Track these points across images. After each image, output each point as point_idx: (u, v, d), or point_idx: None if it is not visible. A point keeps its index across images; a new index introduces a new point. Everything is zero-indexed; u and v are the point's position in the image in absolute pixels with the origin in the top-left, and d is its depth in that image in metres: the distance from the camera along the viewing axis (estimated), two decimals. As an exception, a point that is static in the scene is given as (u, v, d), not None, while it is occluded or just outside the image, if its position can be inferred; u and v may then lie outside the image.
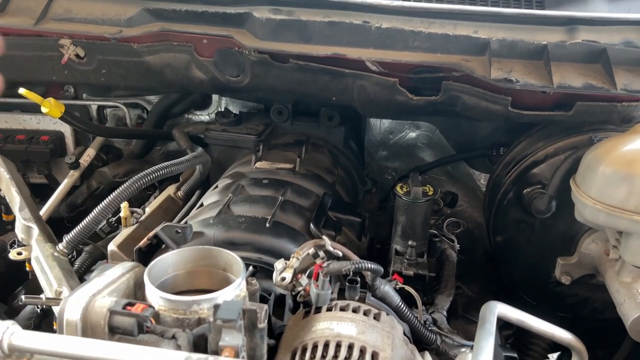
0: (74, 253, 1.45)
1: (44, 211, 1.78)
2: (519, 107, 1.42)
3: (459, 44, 1.41)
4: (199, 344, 0.90)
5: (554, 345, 1.74)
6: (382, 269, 1.09)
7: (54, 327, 1.30)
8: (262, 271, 1.22)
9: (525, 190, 1.51)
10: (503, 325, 1.29)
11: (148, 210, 1.61)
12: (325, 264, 1.08)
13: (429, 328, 1.23)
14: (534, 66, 1.38)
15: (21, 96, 1.60)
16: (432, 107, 1.52)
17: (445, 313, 1.33)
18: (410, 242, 1.41)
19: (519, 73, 1.34)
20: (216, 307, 0.83)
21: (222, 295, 0.94)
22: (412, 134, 2.16)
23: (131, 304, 0.89)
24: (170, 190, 1.75)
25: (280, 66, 1.54)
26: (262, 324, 0.85)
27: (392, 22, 1.44)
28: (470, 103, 1.44)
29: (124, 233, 1.45)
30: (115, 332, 0.89)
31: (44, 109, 1.63)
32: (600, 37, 1.39)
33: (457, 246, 1.54)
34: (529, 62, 1.39)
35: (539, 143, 1.56)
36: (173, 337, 0.88)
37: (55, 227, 1.45)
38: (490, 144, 1.95)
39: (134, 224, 1.50)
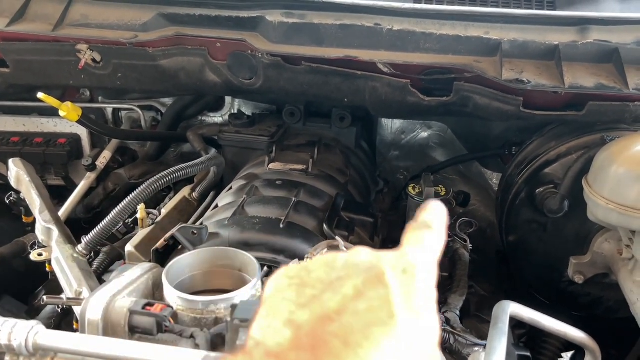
0: (92, 254, 1.48)
1: (62, 213, 1.82)
2: (531, 108, 1.42)
3: (471, 45, 1.42)
4: (217, 343, 0.92)
5: (568, 344, 1.74)
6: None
7: (74, 326, 1.34)
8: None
9: (537, 190, 1.51)
10: (516, 324, 1.29)
11: (164, 211, 1.63)
12: (339, 265, 1.09)
13: (442, 327, 1.24)
14: (545, 67, 1.39)
15: (39, 100, 1.63)
16: (443, 108, 1.53)
17: (458, 312, 1.34)
18: (423, 242, 1.42)
19: (530, 74, 1.35)
20: (233, 307, 0.85)
21: (239, 295, 0.96)
22: (424, 134, 2.16)
23: (150, 304, 0.92)
24: (185, 191, 1.78)
25: (293, 69, 1.56)
26: (279, 324, 0.87)
27: (403, 24, 1.45)
28: (481, 104, 1.45)
29: (140, 234, 1.48)
30: (135, 332, 0.91)
31: (61, 113, 1.67)
32: (612, 37, 1.39)
33: (470, 246, 1.55)
34: (541, 63, 1.40)
35: (551, 143, 1.56)
36: (191, 336, 0.90)
37: (72, 229, 1.48)
38: (502, 143, 1.95)
39: (150, 225, 1.53)
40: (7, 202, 1.65)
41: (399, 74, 1.46)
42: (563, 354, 1.78)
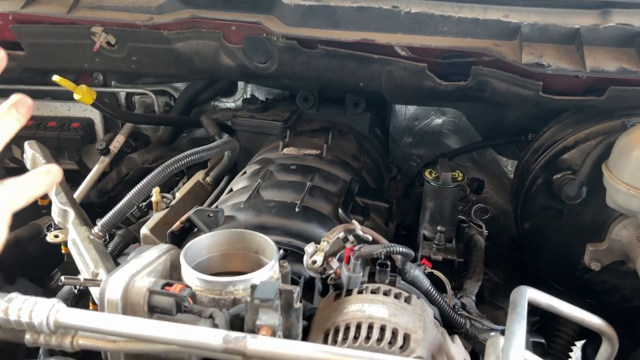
0: (107, 237, 1.49)
1: (76, 196, 1.82)
2: (550, 92, 1.40)
3: (489, 29, 1.40)
4: (234, 324, 0.92)
5: (580, 333, 1.74)
6: (412, 253, 1.10)
7: (90, 308, 1.35)
8: (291, 255, 1.23)
9: (554, 177, 1.49)
10: (529, 312, 1.29)
11: (178, 195, 1.64)
12: (357, 247, 1.09)
13: (458, 312, 1.24)
14: (565, 50, 1.37)
15: (52, 84, 1.63)
16: (460, 93, 1.51)
17: (474, 298, 1.34)
18: (439, 228, 1.41)
19: (550, 57, 1.33)
20: (253, 287, 0.85)
21: (257, 277, 0.96)
22: (438, 121, 2.15)
23: (169, 284, 0.92)
24: (199, 176, 1.78)
25: (308, 52, 1.54)
26: (298, 304, 0.87)
27: (421, 6, 1.43)
28: (499, 88, 1.43)
29: (155, 217, 1.48)
30: (154, 311, 0.91)
31: (76, 96, 1.67)
32: (634, 20, 1.36)
33: (485, 232, 1.54)
34: (561, 47, 1.38)
35: (569, 129, 1.54)
36: (210, 316, 0.90)
37: (86, 213, 1.48)
38: (517, 130, 1.93)
39: (164, 209, 1.53)
40: (23, 184, 1.65)
41: (416, 57, 1.44)
42: (576, 343, 1.78)
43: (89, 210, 1.60)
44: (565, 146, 1.51)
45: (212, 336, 0.79)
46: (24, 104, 0.65)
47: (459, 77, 1.47)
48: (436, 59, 1.44)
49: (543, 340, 1.48)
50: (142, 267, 0.98)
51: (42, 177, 0.67)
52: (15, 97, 0.65)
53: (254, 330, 0.84)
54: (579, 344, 1.84)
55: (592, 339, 1.81)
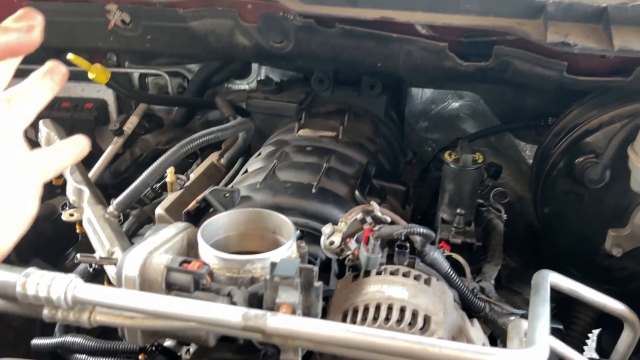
0: (121, 217, 1.48)
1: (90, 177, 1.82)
2: (575, 73, 1.37)
3: (513, 7, 1.36)
4: (252, 303, 0.91)
5: (597, 321, 1.71)
6: (433, 234, 1.08)
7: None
8: (307, 236, 1.22)
9: (577, 160, 1.46)
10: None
11: (192, 176, 1.62)
12: (376, 228, 1.07)
13: (477, 296, 1.22)
14: (592, 30, 1.33)
15: (66, 64, 1.61)
16: (481, 74, 1.48)
17: (492, 282, 1.31)
18: (458, 210, 1.39)
19: (576, 37, 1.29)
20: (273, 264, 0.83)
21: (275, 256, 0.95)
22: (455, 104, 2.11)
23: (187, 262, 0.91)
24: (213, 157, 1.76)
25: (325, 31, 1.51)
26: (318, 283, 0.85)
27: (442, -17, 1.40)
28: (522, 69, 1.40)
29: (170, 197, 1.47)
30: (172, 289, 0.90)
31: (90, 75, 1.65)
32: (664, -2, 1.32)
33: (505, 216, 1.51)
34: (587, 26, 1.34)
35: (593, 111, 1.50)
36: (228, 294, 0.89)
37: (99, 194, 1.47)
38: (537, 114, 1.89)
39: (179, 190, 1.52)
40: (37, 163, 1.65)
41: (437, 36, 1.41)
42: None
43: (102, 192, 1.59)
44: (588, 129, 1.47)
45: (231, 313, 0.78)
46: (59, 72, 0.63)
47: (479, 58, 1.44)
48: (457, 38, 1.40)
49: (561, 327, 1.46)
50: (160, 244, 0.97)
51: (71, 147, 0.65)
52: (49, 64, 0.63)
53: (273, 308, 0.82)
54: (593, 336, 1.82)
55: (608, 327, 1.79)
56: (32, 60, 2.07)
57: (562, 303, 1.31)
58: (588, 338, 1.73)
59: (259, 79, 2.12)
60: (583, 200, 1.50)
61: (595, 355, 1.79)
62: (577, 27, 1.33)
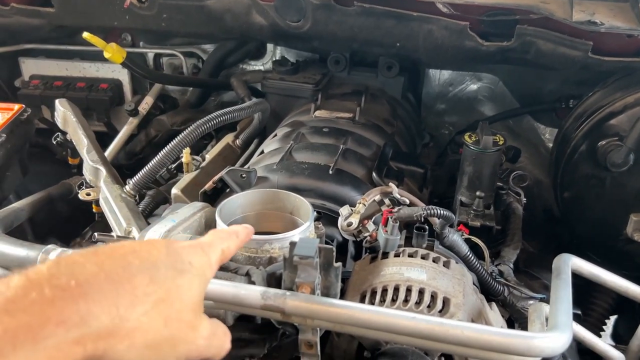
0: (137, 197, 1.48)
1: (105, 157, 1.82)
2: (600, 54, 1.33)
3: (537, -15, 1.33)
4: (270, 282, 0.90)
5: (615, 308, 1.69)
6: (453, 216, 1.06)
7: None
8: (324, 217, 1.21)
9: (599, 143, 1.43)
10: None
11: (208, 157, 1.62)
12: (395, 209, 1.06)
13: (496, 279, 1.20)
14: (619, 8, 1.29)
15: (81, 43, 1.60)
16: (502, 55, 1.44)
17: (511, 265, 1.30)
18: (477, 193, 1.37)
19: (603, 15, 1.25)
20: (292, 244, 0.82)
21: (293, 237, 0.94)
22: (473, 86, 2.07)
23: (205, 241, 0.90)
24: (228, 138, 1.75)
25: (343, 10, 1.49)
26: (338, 263, 0.84)
27: (465, -39, 1.36)
28: (545, 49, 1.36)
29: (186, 178, 1.46)
30: (190, 268, 0.90)
31: (106, 54, 1.64)
32: (695, -24, 1.27)
33: (524, 199, 1.49)
34: (614, 4, 1.30)
35: (617, 94, 1.46)
36: (247, 274, 0.88)
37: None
38: (557, 96, 1.85)
39: (195, 170, 1.51)
40: (55, 142, 1.65)
41: (458, 15, 1.37)
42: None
43: (118, 172, 1.60)
44: (612, 111, 1.43)
45: (250, 293, 0.77)
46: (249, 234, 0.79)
47: (501, 38, 1.41)
48: (479, 17, 1.37)
49: (579, 312, 1.44)
50: (178, 223, 0.96)
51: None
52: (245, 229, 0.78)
53: (292, 288, 0.81)
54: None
55: (624, 314, 1.77)
56: (47, 40, 2.05)
57: (579, 289, 1.29)
58: (605, 324, 1.71)
59: (274, 59, 2.11)
60: (605, 185, 1.47)
61: (611, 342, 1.77)
62: (604, 5, 1.29)
